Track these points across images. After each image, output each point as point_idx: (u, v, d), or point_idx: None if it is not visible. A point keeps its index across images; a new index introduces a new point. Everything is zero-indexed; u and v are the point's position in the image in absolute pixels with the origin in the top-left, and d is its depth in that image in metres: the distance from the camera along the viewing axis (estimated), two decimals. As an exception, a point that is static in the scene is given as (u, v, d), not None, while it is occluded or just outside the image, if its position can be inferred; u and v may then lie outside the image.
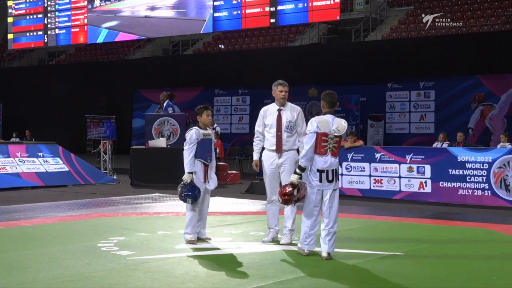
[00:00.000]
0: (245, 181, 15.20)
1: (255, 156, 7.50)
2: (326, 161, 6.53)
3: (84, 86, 30.33)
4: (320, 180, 6.51)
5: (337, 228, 6.57)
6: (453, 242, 7.82)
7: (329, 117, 6.66)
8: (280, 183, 7.32)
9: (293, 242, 7.30)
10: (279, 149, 7.31)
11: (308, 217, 6.61)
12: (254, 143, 7.55)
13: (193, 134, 7.45)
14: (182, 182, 7.37)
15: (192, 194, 7.31)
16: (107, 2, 26.59)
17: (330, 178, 6.52)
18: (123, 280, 5.61)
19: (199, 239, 7.47)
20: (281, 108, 7.42)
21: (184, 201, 7.37)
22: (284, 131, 7.32)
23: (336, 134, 6.58)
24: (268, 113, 7.44)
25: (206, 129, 7.58)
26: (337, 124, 6.61)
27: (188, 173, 7.36)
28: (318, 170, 6.53)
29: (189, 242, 7.31)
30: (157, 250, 6.98)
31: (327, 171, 6.52)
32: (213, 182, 7.59)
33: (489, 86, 21.03)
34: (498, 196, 11.12)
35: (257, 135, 7.52)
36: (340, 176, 6.62)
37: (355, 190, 12.59)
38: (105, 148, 17.59)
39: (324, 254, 6.49)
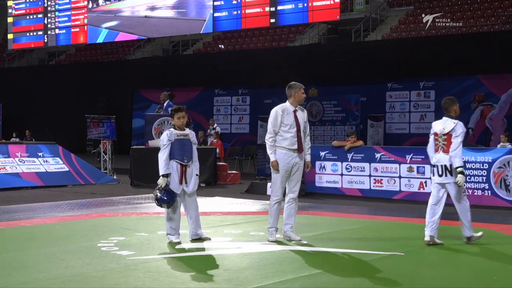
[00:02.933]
0: (245, 181, 15.20)
1: (273, 157, 7.43)
2: (436, 157, 7.47)
3: (84, 86, 30.33)
4: (433, 174, 7.48)
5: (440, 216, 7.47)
6: (453, 242, 7.82)
7: (443, 119, 7.51)
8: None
9: (301, 242, 7.38)
10: (300, 149, 7.46)
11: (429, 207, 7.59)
12: (270, 144, 7.46)
13: (164, 136, 7.40)
14: (157, 186, 7.27)
15: (167, 199, 7.21)
16: (107, 2, 26.59)
17: (440, 173, 7.39)
18: (123, 280, 5.61)
19: (199, 239, 7.47)
20: (296, 109, 7.52)
21: (160, 206, 7.30)
22: (302, 132, 7.49)
23: (443, 133, 7.39)
24: (286, 113, 7.47)
25: (184, 130, 7.49)
26: (445, 124, 7.43)
27: (163, 176, 7.26)
28: (432, 165, 7.54)
29: (175, 242, 7.31)
30: (157, 250, 6.97)
31: (437, 166, 7.42)
32: (192, 184, 7.38)
33: (489, 86, 21.03)
34: (498, 196, 11.11)
35: (272, 135, 7.46)
36: (453, 171, 7.32)
37: (355, 190, 12.59)
38: (105, 148, 17.58)
39: (426, 238, 7.41)
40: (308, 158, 7.62)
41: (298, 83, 7.63)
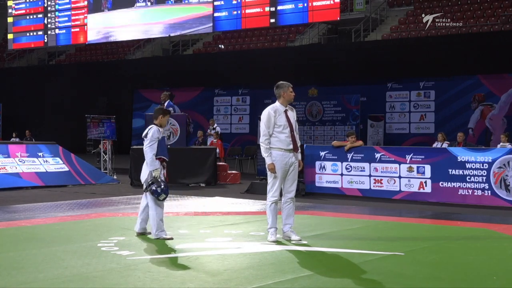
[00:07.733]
0: (245, 181, 15.19)
1: (269, 160, 7.43)
2: None
3: (84, 86, 30.31)
4: None
5: None
6: (453, 242, 7.82)
7: None
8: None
9: (301, 241, 7.39)
10: (296, 148, 7.51)
11: None
12: (265, 146, 7.45)
13: (155, 131, 7.61)
14: (153, 178, 7.48)
15: (167, 190, 7.49)
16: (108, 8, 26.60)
17: None
18: (123, 280, 5.62)
19: (143, 234, 7.73)
20: (286, 108, 7.54)
21: (161, 198, 7.45)
22: (295, 131, 7.55)
23: None
24: (278, 114, 7.49)
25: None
26: None
27: (156, 169, 7.51)
28: None
29: (168, 238, 7.47)
30: (157, 250, 6.98)
31: None
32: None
33: (489, 86, 21.02)
34: (498, 196, 11.11)
35: (267, 137, 7.47)
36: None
37: (355, 190, 12.58)
38: (105, 148, 17.58)
39: None
40: (299, 156, 7.64)
41: (286, 82, 7.62)
